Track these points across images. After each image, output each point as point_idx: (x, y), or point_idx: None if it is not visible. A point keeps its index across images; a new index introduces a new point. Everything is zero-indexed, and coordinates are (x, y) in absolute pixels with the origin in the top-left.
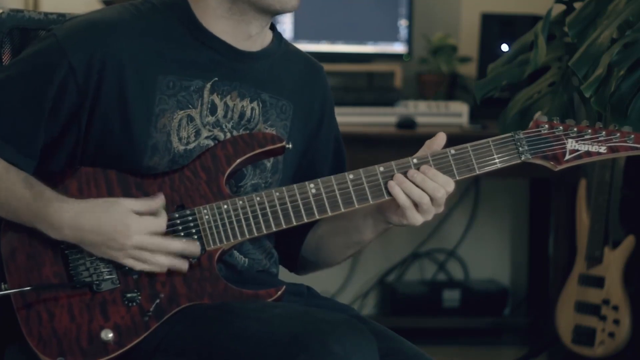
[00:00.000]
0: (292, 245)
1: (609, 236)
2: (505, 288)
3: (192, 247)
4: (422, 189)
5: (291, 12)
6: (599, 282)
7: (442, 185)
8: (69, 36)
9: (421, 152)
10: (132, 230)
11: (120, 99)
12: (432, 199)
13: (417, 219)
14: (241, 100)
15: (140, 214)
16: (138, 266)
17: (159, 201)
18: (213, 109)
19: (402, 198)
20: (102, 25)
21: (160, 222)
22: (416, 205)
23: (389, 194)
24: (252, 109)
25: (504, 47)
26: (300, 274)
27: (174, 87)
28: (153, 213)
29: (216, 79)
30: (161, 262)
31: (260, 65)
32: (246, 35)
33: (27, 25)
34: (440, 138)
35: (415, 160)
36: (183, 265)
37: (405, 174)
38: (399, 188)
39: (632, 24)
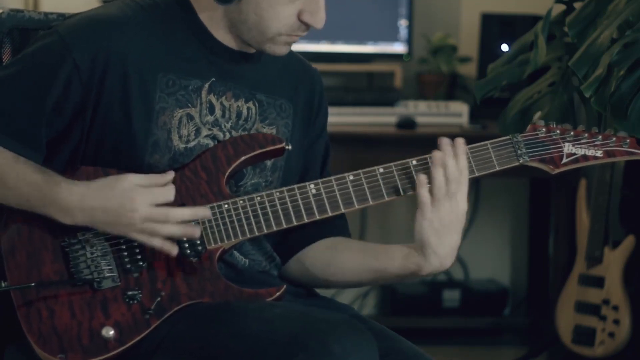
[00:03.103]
0: (284, 253)
1: (609, 236)
2: (505, 288)
3: (202, 211)
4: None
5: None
6: (599, 282)
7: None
8: (72, 33)
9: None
10: (138, 202)
11: (122, 95)
12: (448, 181)
13: (428, 214)
14: (236, 100)
15: (146, 186)
16: (150, 241)
17: (167, 175)
18: (211, 109)
19: (422, 193)
20: (105, 21)
21: (167, 191)
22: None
23: (389, 194)
24: (249, 108)
25: (504, 47)
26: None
27: (174, 85)
28: (160, 184)
29: (214, 79)
30: (172, 232)
31: (255, 66)
32: (245, 46)
33: (27, 25)
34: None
35: (414, 162)
36: (195, 231)
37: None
38: (425, 187)
39: (632, 24)
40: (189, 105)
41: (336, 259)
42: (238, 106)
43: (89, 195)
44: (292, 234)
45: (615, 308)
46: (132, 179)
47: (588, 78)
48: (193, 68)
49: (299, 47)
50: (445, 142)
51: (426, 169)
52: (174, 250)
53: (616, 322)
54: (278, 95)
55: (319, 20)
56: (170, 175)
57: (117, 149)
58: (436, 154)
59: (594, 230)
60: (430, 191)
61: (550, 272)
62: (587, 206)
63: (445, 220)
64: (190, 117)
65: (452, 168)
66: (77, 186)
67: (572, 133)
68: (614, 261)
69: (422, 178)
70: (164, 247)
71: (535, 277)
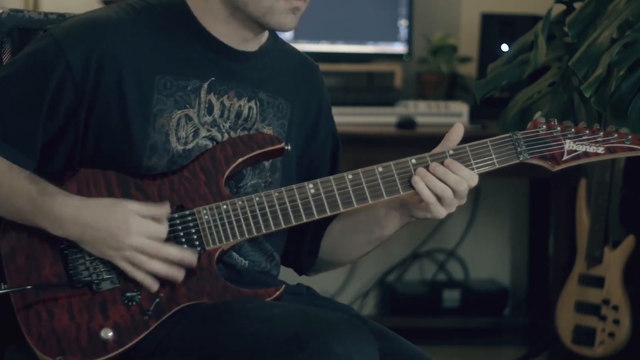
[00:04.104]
0: (310, 252)
1: (609, 236)
2: (505, 288)
3: (190, 256)
4: (445, 182)
5: (288, 32)
6: (599, 282)
7: (465, 179)
8: (66, 35)
9: (438, 148)
10: (133, 230)
11: (118, 99)
12: (454, 192)
13: (441, 212)
14: (238, 99)
15: (143, 217)
16: (132, 272)
17: (163, 209)
18: (210, 109)
19: (426, 193)
20: (99, 24)
21: (162, 228)
22: (439, 198)
23: (388, 193)
24: (250, 108)
25: (504, 47)
26: (309, 275)
27: (171, 87)
28: (156, 219)
29: (213, 78)
30: (157, 269)
31: (256, 64)
32: (244, 39)
33: (27, 25)
34: (458, 129)
35: (414, 161)
36: (179, 274)
37: (427, 167)
38: (422, 183)
39: (632, 24)
40: (187, 106)
41: (337, 249)
42: (240, 105)
43: (85, 211)
44: (305, 234)
45: (615, 308)
46: (130, 206)
47: (588, 78)
48: (191, 68)
49: (299, 47)
50: (421, 171)
51: (426, 167)
52: (154, 286)
53: (616, 322)
54: (278, 94)
55: None
56: (167, 206)
57: (115, 153)
58: (416, 180)
59: (594, 230)
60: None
61: (550, 272)
62: (587, 206)
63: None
64: (188, 118)
65: (440, 187)
66: (72, 199)
67: (573, 130)
68: (614, 261)
69: (419, 184)
70: (145, 282)
71: (535, 277)
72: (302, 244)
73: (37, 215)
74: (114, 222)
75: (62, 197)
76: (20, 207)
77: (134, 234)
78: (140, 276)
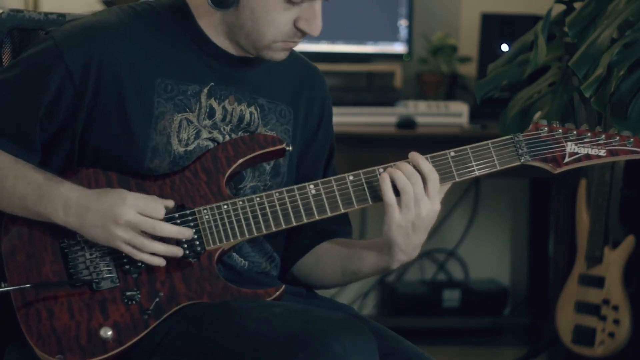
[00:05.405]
0: (284, 261)
1: (609, 236)
2: (505, 288)
3: (187, 232)
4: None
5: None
6: (599, 282)
7: (424, 174)
8: (66, 39)
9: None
10: (128, 203)
11: (118, 102)
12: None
13: (396, 217)
14: (239, 104)
15: (141, 195)
16: (137, 254)
17: (166, 201)
18: (211, 113)
19: (387, 196)
20: (99, 28)
21: (159, 207)
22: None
23: None
24: (251, 112)
25: (504, 47)
26: (286, 277)
27: (172, 90)
28: (154, 200)
29: (212, 83)
30: (157, 250)
31: (255, 70)
32: (243, 51)
33: (27, 26)
34: None
35: None
36: (178, 251)
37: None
38: (388, 180)
39: (632, 24)
40: (187, 110)
41: (317, 268)
42: (241, 110)
43: (87, 195)
44: (291, 243)
45: (615, 308)
46: (128, 192)
47: (588, 78)
48: (191, 73)
49: (299, 47)
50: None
51: None
52: (162, 263)
53: (616, 322)
54: (279, 100)
55: (315, 27)
56: (170, 201)
57: (116, 155)
58: (383, 176)
59: (594, 230)
60: (397, 195)
61: (550, 272)
62: (587, 206)
63: (414, 222)
64: (189, 122)
65: (408, 174)
66: (77, 186)
67: (574, 132)
68: (614, 261)
69: (385, 179)
70: (153, 261)
71: (535, 277)
72: (297, 239)
73: (41, 201)
74: (110, 201)
75: (69, 184)
76: (25, 194)
77: (130, 207)
78: (146, 258)
